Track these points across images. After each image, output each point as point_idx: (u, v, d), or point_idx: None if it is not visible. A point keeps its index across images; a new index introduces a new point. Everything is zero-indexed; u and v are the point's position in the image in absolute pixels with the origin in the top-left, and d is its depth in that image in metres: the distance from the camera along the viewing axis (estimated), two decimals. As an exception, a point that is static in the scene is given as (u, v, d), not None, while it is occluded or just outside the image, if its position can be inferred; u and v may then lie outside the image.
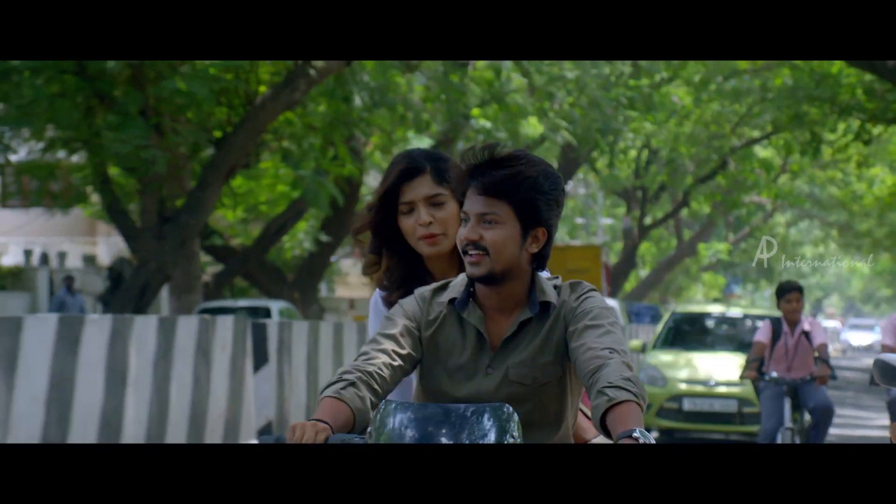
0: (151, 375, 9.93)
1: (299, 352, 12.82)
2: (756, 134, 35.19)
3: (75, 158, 19.35)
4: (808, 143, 27.42)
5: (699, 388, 14.99)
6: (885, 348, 10.49)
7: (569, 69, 23.40)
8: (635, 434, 3.17)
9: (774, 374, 11.08)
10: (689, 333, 16.92)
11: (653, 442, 3.19)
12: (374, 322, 4.10)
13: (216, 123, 17.54)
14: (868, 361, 40.97)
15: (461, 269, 3.69)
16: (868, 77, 23.94)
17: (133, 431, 9.81)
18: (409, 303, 3.65)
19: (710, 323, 17.21)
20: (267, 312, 20.11)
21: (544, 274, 3.74)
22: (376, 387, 3.47)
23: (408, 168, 4.00)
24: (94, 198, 25.31)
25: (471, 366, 3.59)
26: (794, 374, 11.25)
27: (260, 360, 11.52)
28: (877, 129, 25.87)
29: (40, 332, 8.70)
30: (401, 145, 24.27)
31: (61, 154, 19.66)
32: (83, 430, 9.26)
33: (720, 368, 15.18)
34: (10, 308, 20.64)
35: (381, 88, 19.77)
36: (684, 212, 43.96)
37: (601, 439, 3.82)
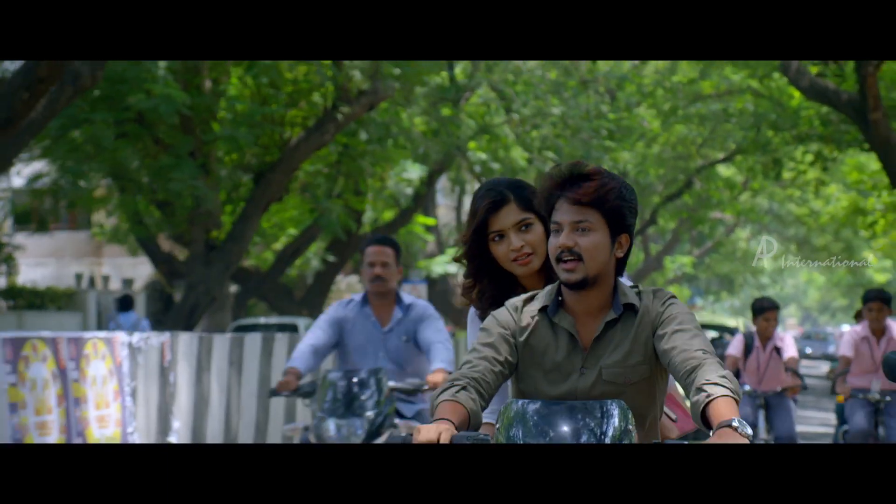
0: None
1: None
2: (719, 155, 36.91)
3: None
4: (771, 168, 29.65)
5: None
6: (843, 359, 11.04)
7: (554, 104, 25.50)
8: (734, 423, 3.41)
9: (747, 388, 11.34)
10: None
11: (749, 431, 3.42)
12: (472, 334, 4.35)
13: (252, 163, 19.72)
14: (825, 369, 42.98)
15: (550, 283, 3.99)
16: (825, 109, 26.00)
17: (302, 417, 12.23)
18: (501, 313, 3.88)
19: None
20: (294, 328, 22.15)
21: (624, 280, 3.99)
22: (482, 391, 3.71)
23: (494, 201, 4.27)
24: (98, 219, 27.34)
25: (565, 366, 3.80)
26: (766, 386, 11.53)
27: None
28: (833, 154, 28.03)
29: (252, 345, 11.12)
30: (397, 171, 26.32)
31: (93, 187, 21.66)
32: (277, 418, 11.71)
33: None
34: (66, 326, 22.63)
35: (387, 124, 21.91)
36: (651, 228, 45.79)
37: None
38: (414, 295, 32.78)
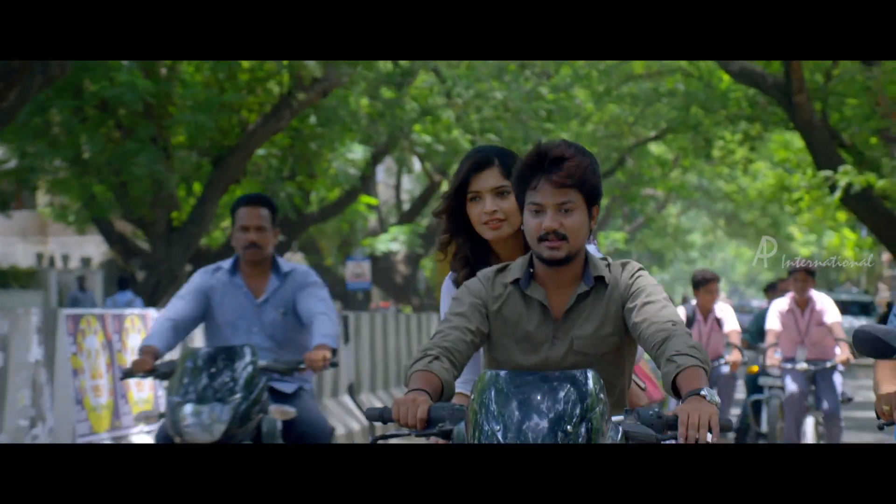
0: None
1: (364, 334, 16.48)
2: (650, 133, 37.22)
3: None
4: (702, 147, 30.88)
5: None
6: (772, 333, 11.25)
7: (495, 87, 26.42)
8: (703, 392, 3.52)
9: None
10: None
11: (717, 400, 3.52)
12: (446, 304, 4.30)
13: (210, 147, 20.67)
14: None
15: (525, 250, 4.11)
16: (752, 91, 27.20)
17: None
18: (474, 283, 3.95)
19: None
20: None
21: (593, 250, 4.12)
22: (454, 360, 3.77)
23: (478, 161, 4.31)
24: (44, 198, 27.98)
25: (537, 336, 3.89)
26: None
27: (346, 339, 15.11)
28: (759, 133, 29.33)
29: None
30: (342, 151, 27.19)
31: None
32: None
33: None
34: (28, 304, 23.42)
35: (335, 107, 22.80)
36: (585, 205, 46.50)
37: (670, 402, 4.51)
38: (358, 271, 33.01)
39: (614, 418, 3.62)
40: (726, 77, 27.15)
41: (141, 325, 9.60)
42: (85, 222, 22.48)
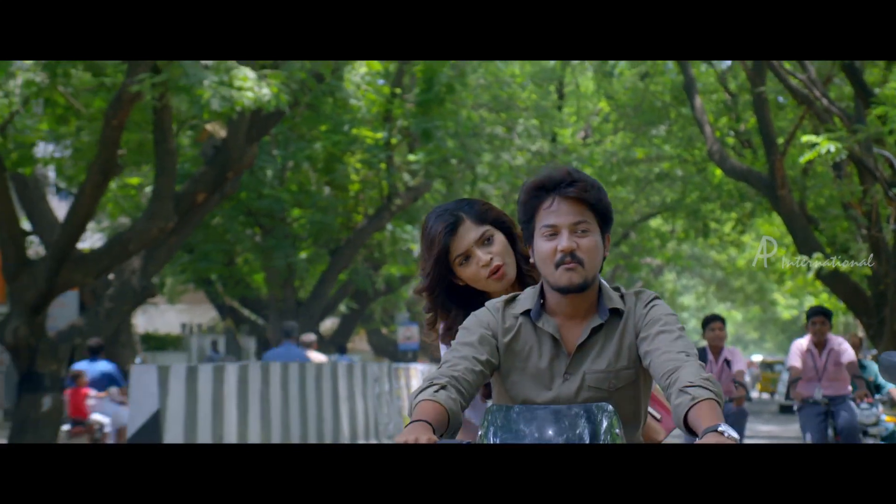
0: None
1: (417, 379, 22.15)
2: (649, 210, 41.08)
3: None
4: (701, 231, 35.96)
5: None
6: (794, 370, 11.46)
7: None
8: (721, 429, 3.27)
9: None
10: None
11: (736, 436, 3.27)
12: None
13: (329, 241, 26.48)
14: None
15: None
16: (741, 184, 32.09)
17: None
18: (483, 314, 3.74)
19: None
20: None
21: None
22: (463, 390, 3.56)
23: (449, 224, 4.07)
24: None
25: (549, 371, 3.69)
26: None
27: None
28: (746, 213, 34.22)
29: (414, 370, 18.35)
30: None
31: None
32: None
33: None
34: (176, 362, 29.23)
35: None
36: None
37: (677, 438, 4.24)
38: (408, 335, 38.18)
39: None
40: (718, 171, 31.92)
41: (413, 374, 15.89)
42: (175, 294, 28.25)
